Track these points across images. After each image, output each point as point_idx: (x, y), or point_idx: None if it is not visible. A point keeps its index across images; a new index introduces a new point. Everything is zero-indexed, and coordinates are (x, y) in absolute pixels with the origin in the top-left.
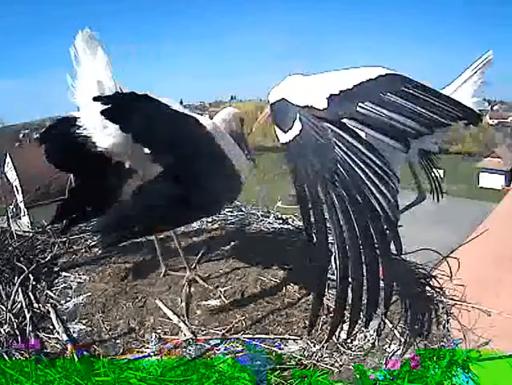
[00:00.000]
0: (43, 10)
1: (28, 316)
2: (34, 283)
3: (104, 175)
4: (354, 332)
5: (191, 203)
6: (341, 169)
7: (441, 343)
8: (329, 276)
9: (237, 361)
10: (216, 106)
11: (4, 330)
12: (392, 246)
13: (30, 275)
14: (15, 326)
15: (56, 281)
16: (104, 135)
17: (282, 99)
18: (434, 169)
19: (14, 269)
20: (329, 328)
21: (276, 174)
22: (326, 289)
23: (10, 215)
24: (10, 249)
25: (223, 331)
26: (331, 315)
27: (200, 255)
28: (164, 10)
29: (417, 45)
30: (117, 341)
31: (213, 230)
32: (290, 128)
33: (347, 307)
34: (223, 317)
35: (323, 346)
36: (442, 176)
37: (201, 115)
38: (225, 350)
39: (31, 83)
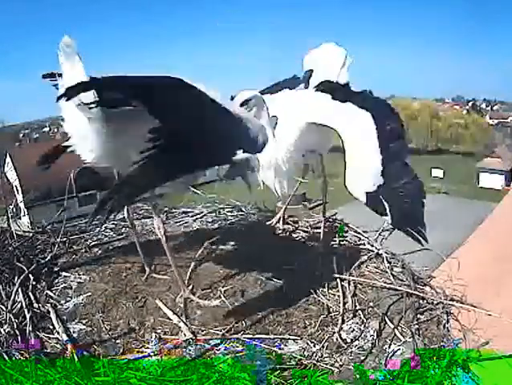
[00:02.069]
0: (44, 9)
1: (28, 316)
2: (34, 283)
3: None
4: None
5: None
6: None
7: (441, 343)
8: (332, 275)
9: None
10: None
11: (4, 330)
12: None
13: (30, 275)
14: (15, 326)
15: (56, 281)
16: (86, 148)
17: None
18: None
19: (14, 269)
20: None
21: None
22: (326, 290)
23: (10, 215)
24: (10, 249)
25: (223, 331)
26: (331, 315)
27: (198, 257)
28: (163, 9)
29: (417, 45)
30: (117, 341)
31: (213, 230)
32: None
33: (347, 307)
34: (223, 317)
35: (323, 346)
36: (442, 176)
37: None
38: (225, 350)
39: (31, 82)
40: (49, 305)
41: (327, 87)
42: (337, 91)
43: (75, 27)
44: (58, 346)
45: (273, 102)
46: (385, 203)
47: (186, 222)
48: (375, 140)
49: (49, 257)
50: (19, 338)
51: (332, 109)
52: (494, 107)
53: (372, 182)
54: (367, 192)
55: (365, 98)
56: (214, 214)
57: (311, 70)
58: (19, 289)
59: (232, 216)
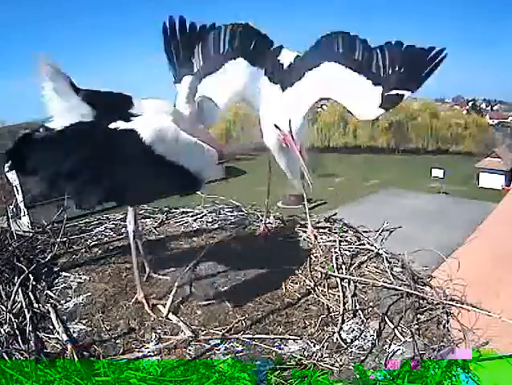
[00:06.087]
0: (44, 8)
1: (28, 316)
2: (34, 283)
3: None
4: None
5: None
6: None
7: (441, 343)
8: (330, 274)
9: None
10: None
11: (4, 330)
12: None
13: (30, 275)
14: (15, 326)
15: (56, 281)
16: None
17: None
18: None
19: (14, 269)
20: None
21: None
22: (326, 290)
23: (10, 215)
24: (10, 249)
25: (223, 331)
26: (331, 315)
27: (200, 257)
28: (165, 6)
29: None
30: (117, 341)
31: (213, 230)
32: None
33: (347, 307)
34: (223, 317)
35: (323, 346)
36: (442, 176)
37: None
38: (225, 350)
39: (31, 82)
40: (49, 305)
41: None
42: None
43: (75, 26)
44: (58, 346)
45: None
46: (392, 92)
47: (186, 222)
48: (348, 70)
49: (49, 257)
50: (19, 338)
51: (313, 84)
52: (494, 107)
53: (375, 96)
54: (380, 105)
55: (310, 57)
56: (214, 214)
57: None
58: (19, 289)
59: (232, 216)
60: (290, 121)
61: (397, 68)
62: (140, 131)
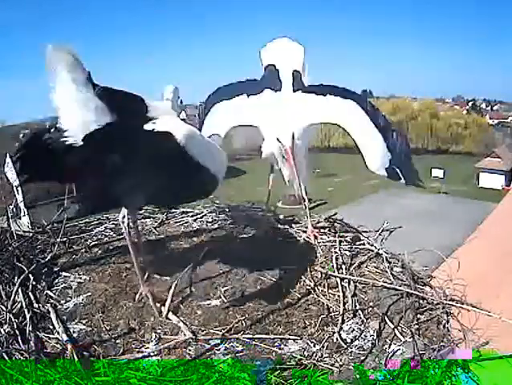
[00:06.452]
0: (42, 5)
1: (28, 316)
2: (34, 283)
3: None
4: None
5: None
6: None
7: (441, 343)
8: (330, 274)
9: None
10: None
11: (4, 330)
12: None
13: (30, 275)
14: (15, 326)
15: (56, 281)
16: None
17: None
18: None
19: (14, 269)
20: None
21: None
22: (326, 290)
23: (10, 215)
24: (10, 249)
25: (223, 331)
26: (331, 315)
27: (200, 257)
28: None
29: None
30: (117, 341)
31: (213, 230)
32: None
33: (347, 307)
34: (223, 317)
35: (323, 346)
36: (442, 176)
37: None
38: (225, 350)
39: (31, 82)
40: (49, 305)
41: (315, 87)
42: (325, 88)
43: (74, 25)
44: (58, 346)
45: (279, 102)
46: (397, 169)
47: (186, 222)
48: (372, 123)
49: (49, 257)
50: (19, 338)
51: (338, 108)
52: (494, 107)
53: (386, 158)
54: (386, 168)
55: (340, 90)
56: (214, 214)
57: (274, 65)
58: (19, 289)
59: (232, 216)
60: (293, 135)
61: (405, 157)
62: (175, 133)
